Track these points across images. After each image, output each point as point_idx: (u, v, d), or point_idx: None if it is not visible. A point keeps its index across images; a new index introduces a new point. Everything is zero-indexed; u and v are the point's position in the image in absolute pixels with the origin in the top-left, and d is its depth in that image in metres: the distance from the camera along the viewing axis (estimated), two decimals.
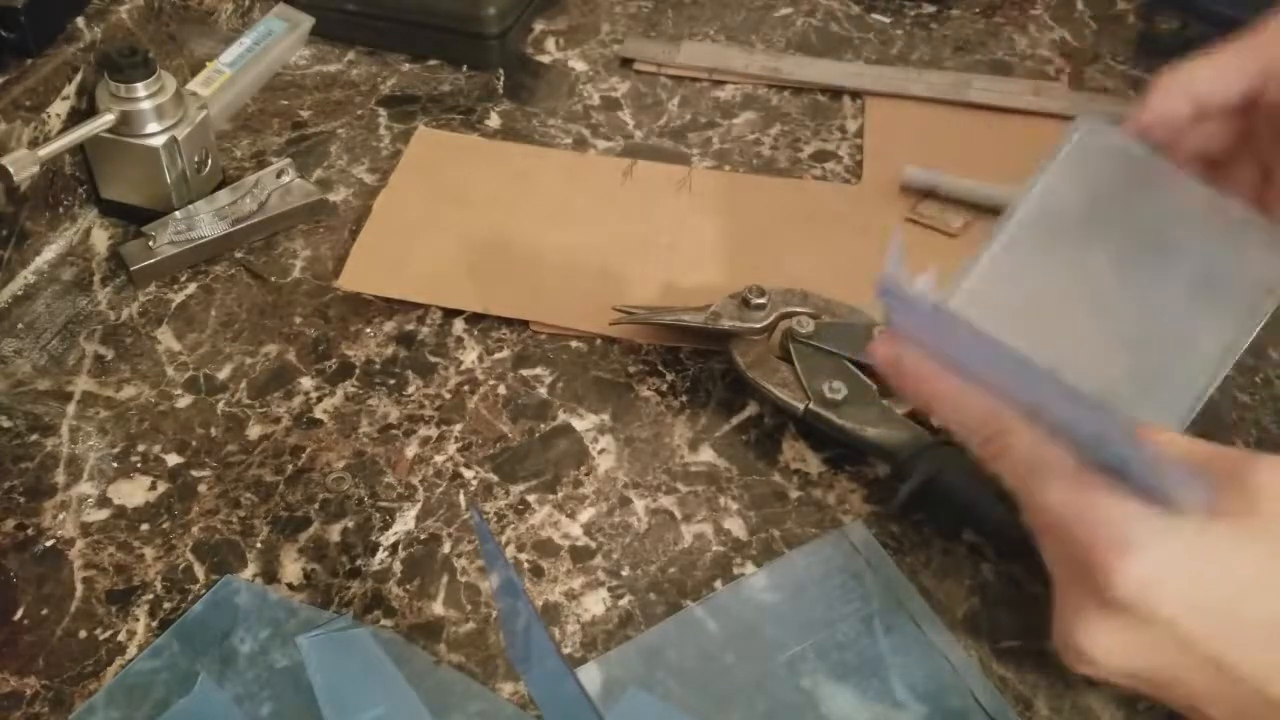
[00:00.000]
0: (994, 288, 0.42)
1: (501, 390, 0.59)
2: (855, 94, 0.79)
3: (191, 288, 0.64)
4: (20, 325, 0.61)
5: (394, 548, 0.51)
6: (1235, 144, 0.45)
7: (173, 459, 0.55)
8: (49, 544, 0.51)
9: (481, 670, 0.47)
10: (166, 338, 0.61)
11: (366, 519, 0.52)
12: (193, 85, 0.73)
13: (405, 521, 0.52)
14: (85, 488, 0.53)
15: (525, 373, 0.60)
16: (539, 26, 0.86)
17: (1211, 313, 0.41)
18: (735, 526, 0.53)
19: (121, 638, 0.48)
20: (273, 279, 0.65)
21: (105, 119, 0.63)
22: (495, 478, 0.55)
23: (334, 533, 0.52)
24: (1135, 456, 0.31)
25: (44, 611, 0.49)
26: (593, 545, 0.52)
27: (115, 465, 0.54)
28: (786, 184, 0.72)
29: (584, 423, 0.57)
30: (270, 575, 0.50)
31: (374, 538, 0.52)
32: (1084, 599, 0.33)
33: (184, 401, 0.58)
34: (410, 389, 0.59)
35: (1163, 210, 0.42)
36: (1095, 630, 0.33)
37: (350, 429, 0.56)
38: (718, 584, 0.50)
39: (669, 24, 0.86)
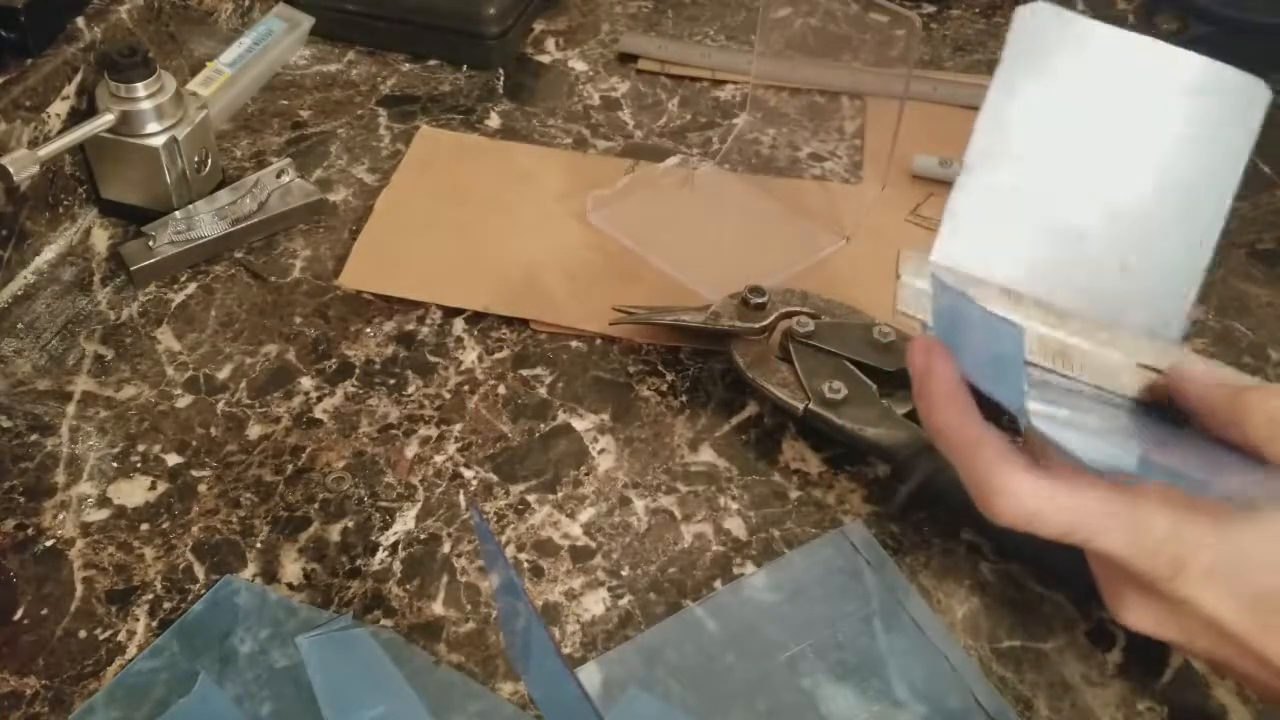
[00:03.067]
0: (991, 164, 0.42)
1: (501, 390, 0.59)
2: (855, 94, 0.79)
3: (191, 288, 0.64)
4: (20, 325, 0.61)
5: (394, 548, 0.51)
6: None
7: (173, 459, 0.55)
8: (49, 544, 0.51)
9: (481, 670, 0.47)
10: (166, 338, 0.61)
11: (366, 519, 0.53)
12: (193, 85, 0.73)
13: (405, 521, 0.52)
14: (85, 488, 0.53)
15: (525, 373, 0.60)
16: (539, 26, 0.86)
17: (1194, 174, 0.41)
18: (735, 526, 0.53)
19: (121, 638, 0.48)
20: (273, 279, 0.65)
21: (105, 119, 0.63)
22: (495, 478, 0.55)
23: (334, 533, 0.52)
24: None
25: (44, 611, 0.49)
26: (593, 545, 0.52)
27: (115, 465, 0.54)
28: (786, 184, 0.72)
29: (584, 423, 0.57)
30: (270, 575, 0.50)
31: (374, 538, 0.52)
32: (1124, 586, 0.36)
33: (184, 401, 0.58)
34: (410, 389, 0.59)
35: (1113, 77, 0.41)
36: (1136, 609, 0.36)
37: (350, 429, 0.56)
38: (718, 584, 0.50)
39: (669, 24, 0.87)
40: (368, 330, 0.62)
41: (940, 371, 0.38)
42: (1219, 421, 0.38)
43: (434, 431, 0.57)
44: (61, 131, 0.63)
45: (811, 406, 0.55)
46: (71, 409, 0.57)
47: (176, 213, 0.65)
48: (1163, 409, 0.39)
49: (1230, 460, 0.36)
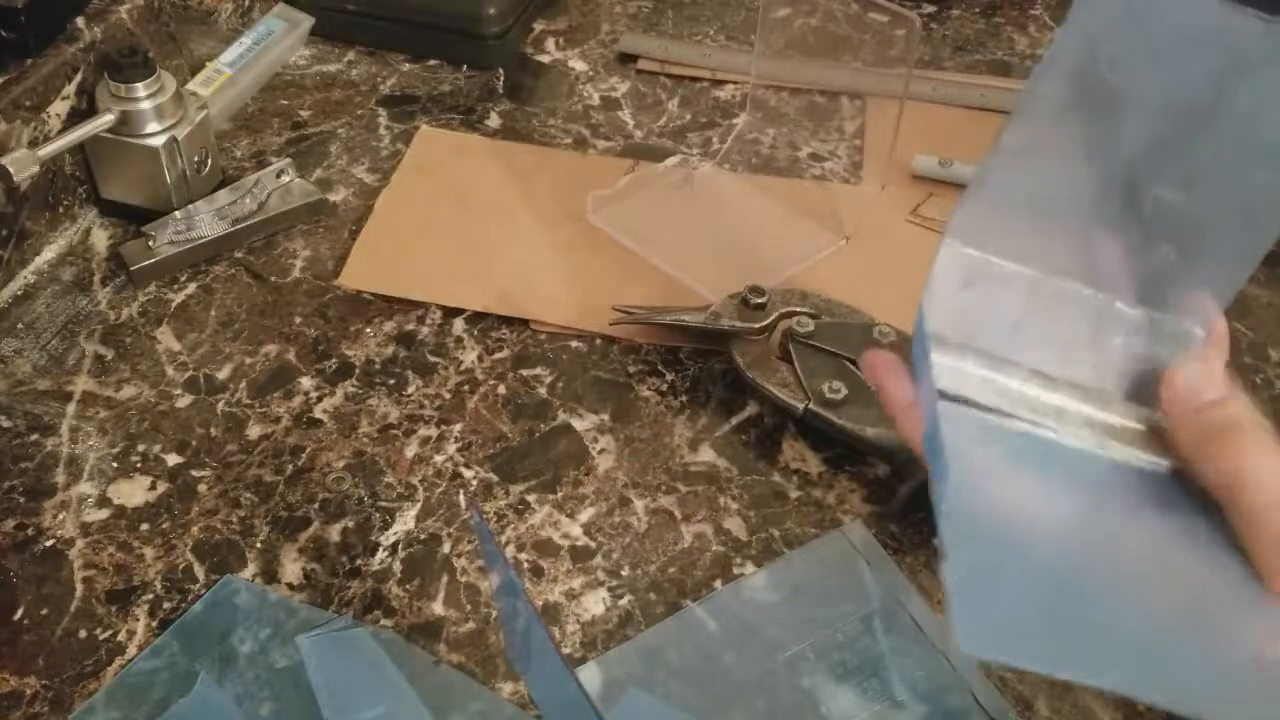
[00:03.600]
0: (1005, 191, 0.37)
1: (501, 390, 0.59)
2: (855, 94, 0.79)
3: (191, 288, 0.64)
4: (20, 325, 0.61)
5: (394, 548, 0.51)
6: None
7: (173, 459, 0.55)
8: (49, 544, 0.51)
9: (481, 670, 0.47)
10: (166, 338, 0.61)
11: (366, 519, 0.52)
12: (193, 85, 0.73)
13: (405, 521, 0.52)
14: (85, 488, 0.53)
15: (525, 373, 0.60)
16: (539, 26, 0.86)
17: (1257, 156, 0.36)
18: (735, 526, 0.53)
19: (121, 638, 0.48)
20: (273, 279, 0.65)
21: (105, 119, 0.63)
22: (495, 478, 0.55)
23: (334, 533, 0.52)
24: None
25: (44, 611, 0.49)
26: (593, 545, 0.52)
27: (115, 465, 0.54)
28: (786, 184, 0.72)
29: (584, 423, 0.57)
30: (270, 575, 0.50)
31: (374, 538, 0.52)
32: None
33: (184, 401, 0.58)
34: (410, 389, 0.59)
35: (1178, 50, 0.36)
36: None
37: (350, 429, 0.56)
38: (718, 584, 0.50)
39: (669, 24, 0.87)
40: (368, 330, 0.62)
41: (891, 389, 0.38)
42: (1189, 453, 0.35)
43: (434, 431, 0.57)
44: (61, 131, 0.63)
45: (811, 406, 0.55)
46: (71, 409, 0.57)
47: (176, 213, 0.65)
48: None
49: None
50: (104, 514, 0.52)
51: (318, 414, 0.57)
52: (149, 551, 0.51)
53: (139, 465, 0.54)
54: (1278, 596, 0.33)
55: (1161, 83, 0.36)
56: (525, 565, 0.51)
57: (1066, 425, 0.36)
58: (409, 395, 0.58)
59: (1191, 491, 0.36)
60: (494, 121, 0.77)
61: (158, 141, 0.64)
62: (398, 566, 0.51)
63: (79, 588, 0.49)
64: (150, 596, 0.49)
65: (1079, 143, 0.37)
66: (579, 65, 0.82)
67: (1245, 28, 0.35)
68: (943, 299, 0.37)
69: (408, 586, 0.50)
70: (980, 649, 0.28)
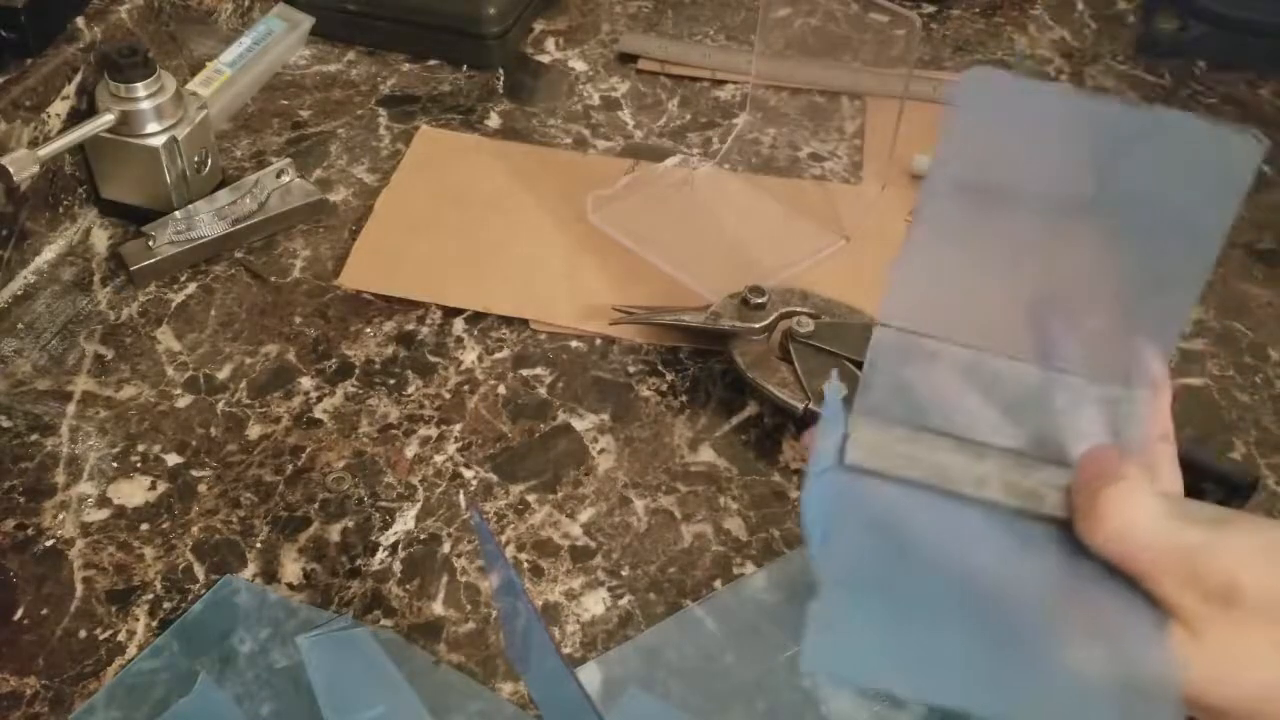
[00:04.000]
0: (923, 282, 0.39)
1: (501, 390, 0.59)
2: (855, 94, 0.79)
3: (191, 288, 0.64)
4: (20, 325, 0.61)
5: (394, 548, 0.51)
6: None
7: (173, 459, 0.55)
8: (49, 544, 0.51)
9: (481, 670, 0.47)
10: (166, 338, 0.61)
11: (366, 519, 0.52)
12: (193, 85, 0.73)
13: (405, 521, 0.52)
14: (85, 488, 0.53)
15: (525, 373, 0.60)
16: (539, 26, 0.86)
17: (1172, 235, 0.38)
18: (735, 526, 0.53)
19: (121, 638, 0.48)
20: (273, 279, 0.65)
21: (105, 119, 0.63)
22: (495, 478, 0.55)
23: (334, 533, 0.52)
24: None
25: (44, 611, 0.49)
26: (593, 545, 0.52)
27: (115, 465, 0.54)
28: (786, 184, 0.72)
29: (584, 423, 0.57)
30: (270, 575, 0.50)
31: (374, 538, 0.52)
32: None
33: (184, 401, 0.58)
34: (410, 389, 0.59)
35: (1074, 144, 0.38)
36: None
37: (350, 429, 0.56)
38: (718, 584, 0.50)
39: (669, 24, 0.87)
40: (368, 330, 0.62)
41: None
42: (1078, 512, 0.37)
43: (434, 431, 0.57)
44: (61, 131, 0.63)
45: (811, 406, 0.55)
46: (71, 409, 0.57)
47: (176, 213, 0.65)
48: None
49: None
50: (104, 514, 0.52)
51: (318, 414, 0.57)
52: (149, 551, 0.51)
53: (139, 465, 0.54)
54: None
55: (1044, 174, 0.38)
56: (525, 565, 0.51)
57: (985, 490, 0.37)
58: (409, 395, 0.58)
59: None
60: (494, 121, 0.77)
61: (158, 141, 0.64)
62: (398, 566, 0.51)
63: (79, 588, 0.49)
64: (150, 596, 0.49)
65: (985, 231, 0.39)
66: (579, 65, 0.82)
67: (1109, 114, 0.37)
68: (878, 377, 0.39)
69: (408, 586, 0.50)
70: (820, 667, 0.29)
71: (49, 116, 0.63)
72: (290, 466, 0.55)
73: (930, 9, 0.89)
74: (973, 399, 0.39)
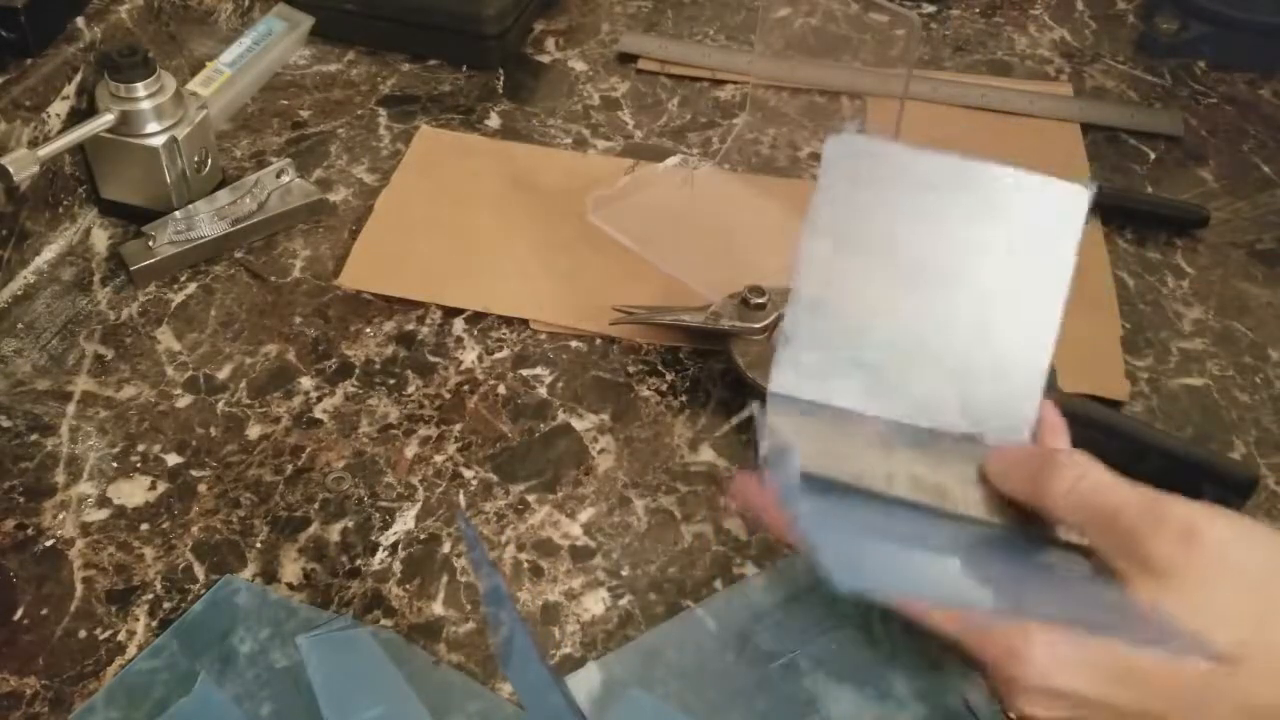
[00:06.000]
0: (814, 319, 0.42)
1: (501, 390, 0.59)
2: (855, 94, 0.79)
3: (191, 288, 0.64)
4: (20, 325, 0.61)
5: (394, 548, 0.51)
6: None
7: (173, 459, 0.55)
8: (49, 544, 0.51)
9: (481, 670, 0.47)
10: (166, 338, 0.61)
11: (366, 519, 0.52)
12: (193, 85, 0.73)
13: (405, 521, 0.52)
14: (85, 488, 0.53)
15: (525, 372, 0.60)
16: (539, 26, 0.86)
17: (1023, 282, 0.41)
18: (735, 526, 0.53)
19: (121, 638, 0.48)
20: (272, 279, 0.65)
21: (105, 119, 0.63)
22: (495, 478, 0.55)
23: (334, 533, 0.52)
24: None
25: (44, 611, 0.49)
26: (592, 545, 0.52)
27: (115, 465, 0.54)
28: (786, 184, 0.72)
29: (584, 423, 0.57)
30: (270, 575, 0.50)
31: (374, 538, 0.52)
32: (1010, 687, 0.36)
33: (184, 401, 0.58)
34: (410, 389, 0.59)
35: (931, 200, 0.41)
36: (1031, 706, 0.36)
37: (350, 429, 0.56)
38: (718, 584, 0.50)
39: (669, 24, 0.87)
40: (368, 330, 0.62)
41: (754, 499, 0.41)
42: (1029, 492, 0.38)
43: (434, 431, 0.57)
44: (61, 131, 0.63)
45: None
46: (71, 409, 0.57)
47: (176, 213, 0.65)
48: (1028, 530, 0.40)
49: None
50: (104, 514, 0.52)
51: (318, 414, 0.57)
52: (149, 551, 0.51)
53: (139, 465, 0.54)
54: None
55: (914, 230, 0.41)
56: (525, 565, 0.51)
57: (895, 488, 0.39)
58: (409, 395, 0.58)
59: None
60: (494, 121, 0.77)
61: (158, 141, 0.64)
62: (398, 566, 0.51)
63: (79, 588, 0.49)
64: (150, 596, 0.49)
65: (859, 289, 0.42)
66: (579, 65, 0.82)
67: (974, 177, 0.41)
68: (773, 439, 0.40)
69: (408, 586, 0.50)
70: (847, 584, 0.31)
71: (49, 116, 0.63)
72: (290, 466, 0.55)
73: (930, 9, 0.89)
74: (867, 454, 0.41)
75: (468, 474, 0.55)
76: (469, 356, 0.61)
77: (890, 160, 0.41)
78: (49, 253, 0.65)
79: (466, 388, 0.59)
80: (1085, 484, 0.37)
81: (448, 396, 0.58)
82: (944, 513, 0.39)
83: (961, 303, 0.41)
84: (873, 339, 0.42)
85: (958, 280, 0.41)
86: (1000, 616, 0.35)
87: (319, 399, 0.58)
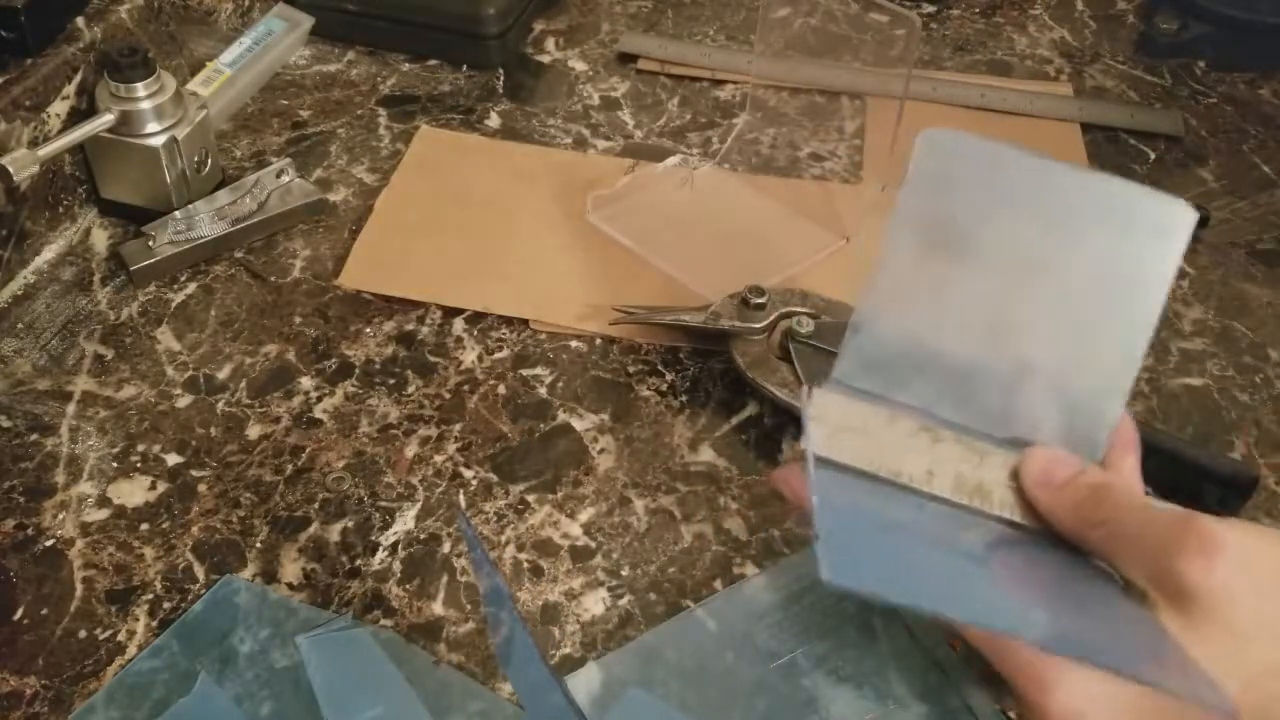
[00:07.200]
0: (892, 312, 0.41)
1: (501, 390, 0.59)
2: (855, 94, 0.79)
3: (191, 288, 0.64)
4: (20, 325, 0.61)
5: (394, 548, 0.51)
6: None
7: (173, 459, 0.55)
8: (49, 544, 0.51)
9: (481, 670, 0.47)
10: (166, 338, 0.61)
11: (366, 519, 0.53)
12: (193, 85, 0.73)
13: (405, 521, 0.52)
14: (85, 487, 0.53)
15: (525, 372, 0.60)
16: (539, 26, 0.86)
17: (1115, 295, 0.40)
18: (735, 526, 0.53)
19: (121, 637, 0.48)
20: (272, 279, 0.65)
21: (105, 119, 0.63)
22: (495, 477, 0.55)
23: (334, 533, 0.52)
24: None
25: (44, 611, 0.49)
26: (592, 545, 0.52)
27: (115, 465, 0.54)
28: (786, 184, 0.72)
29: (584, 422, 0.57)
30: (270, 575, 0.50)
31: (374, 538, 0.52)
32: (1031, 715, 0.36)
33: (184, 401, 0.58)
34: (410, 389, 0.59)
35: (1025, 203, 0.40)
36: None
37: (350, 429, 0.56)
38: (718, 584, 0.50)
39: (669, 24, 0.87)
40: (368, 330, 0.62)
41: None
42: (1071, 524, 0.37)
43: (434, 431, 0.57)
44: (61, 131, 0.63)
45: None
46: (71, 409, 0.57)
47: (176, 213, 0.65)
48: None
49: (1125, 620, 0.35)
50: (104, 514, 0.52)
51: (318, 414, 0.57)
52: (149, 551, 0.51)
53: (139, 465, 0.54)
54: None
55: (1005, 233, 0.40)
56: (525, 565, 0.51)
57: (935, 485, 0.39)
58: (409, 395, 0.58)
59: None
60: (494, 121, 0.77)
61: (158, 141, 0.64)
62: (397, 566, 0.51)
63: (79, 588, 0.49)
64: (150, 596, 0.49)
65: (939, 287, 0.40)
66: (579, 65, 0.82)
67: (1072, 183, 0.39)
68: (827, 437, 0.39)
69: (408, 586, 0.50)
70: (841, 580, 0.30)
71: (49, 116, 0.63)
72: (290, 466, 0.55)
73: (930, 9, 0.89)
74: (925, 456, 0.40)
75: (468, 474, 0.55)
76: (469, 356, 0.61)
77: (985, 159, 0.39)
78: (49, 253, 0.65)
79: (466, 388, 0.59)
80: (1118, 512, 0.36)
81: (448, 396, 0.58)
82: (983, 514, 0.38)
83: (1046, 309, 0.40)
84: (947, 338, 0.40)
85: (1045, 286, 0.40)
86: (1031, 639, 0.34)
87: (319, 399, 0.58)
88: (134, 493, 0.53)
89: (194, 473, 0.54)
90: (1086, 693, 0.34)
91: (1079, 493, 0.37)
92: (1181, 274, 0.67)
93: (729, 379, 0.60)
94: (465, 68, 0.81)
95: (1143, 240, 0.39)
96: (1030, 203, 0.39)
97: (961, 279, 0.40)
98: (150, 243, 0.64)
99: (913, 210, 0.40)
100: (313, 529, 0.52)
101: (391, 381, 0.59)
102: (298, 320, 0.62)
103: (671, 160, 0.72)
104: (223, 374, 0.59)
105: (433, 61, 0.82)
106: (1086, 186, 0.39)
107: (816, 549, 0.31)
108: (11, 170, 0.58)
